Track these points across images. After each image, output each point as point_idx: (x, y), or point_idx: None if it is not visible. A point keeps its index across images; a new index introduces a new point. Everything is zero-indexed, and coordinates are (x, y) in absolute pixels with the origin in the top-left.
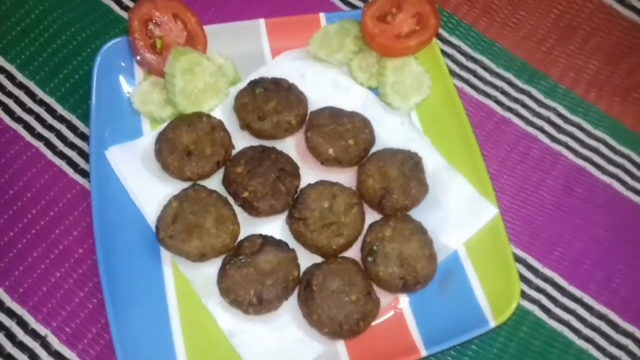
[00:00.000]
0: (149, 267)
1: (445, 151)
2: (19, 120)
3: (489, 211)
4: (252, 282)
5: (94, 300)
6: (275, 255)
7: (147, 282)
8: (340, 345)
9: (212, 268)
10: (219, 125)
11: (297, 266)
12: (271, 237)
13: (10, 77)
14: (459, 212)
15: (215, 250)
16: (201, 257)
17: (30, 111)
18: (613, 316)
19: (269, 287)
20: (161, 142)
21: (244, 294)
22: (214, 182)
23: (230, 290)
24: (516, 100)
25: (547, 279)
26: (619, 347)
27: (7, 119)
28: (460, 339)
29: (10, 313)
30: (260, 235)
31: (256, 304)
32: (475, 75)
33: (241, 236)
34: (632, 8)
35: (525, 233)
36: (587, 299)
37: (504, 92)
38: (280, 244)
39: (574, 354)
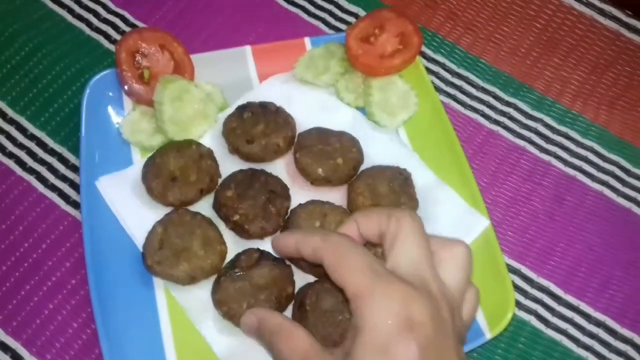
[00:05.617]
0: (142, 295)
1: (434, 166)
2: (10, 155)
3: (481, 223)
4: (246, 295)
5: (88, 331)
6: (271, 270)
7: (140, 309)
8: None
9: (204, 292)
10: (207, 154)
11: (292, 282)
12: (268, 252)
13: (1, 114)
14: (451, 226)
15: (205, 272)
16: (191, 280)
17: (21, 146)
18: (611, 323)
19: (262, 301)
20: (148, 167)
21: (237, 307)
22: (205, 207)
23: (224, 303)
24: (503, 113)
25: (542, 289)
26: (618, 354)
27: None
28: None
29: (4, 347)
30: (258, 250)
31: None
32: (462, 90)
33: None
34: (612, 18)
35: (518, 244)
36: (584, 307)
37: (490, 106)
38: (276, 260)
39: None
